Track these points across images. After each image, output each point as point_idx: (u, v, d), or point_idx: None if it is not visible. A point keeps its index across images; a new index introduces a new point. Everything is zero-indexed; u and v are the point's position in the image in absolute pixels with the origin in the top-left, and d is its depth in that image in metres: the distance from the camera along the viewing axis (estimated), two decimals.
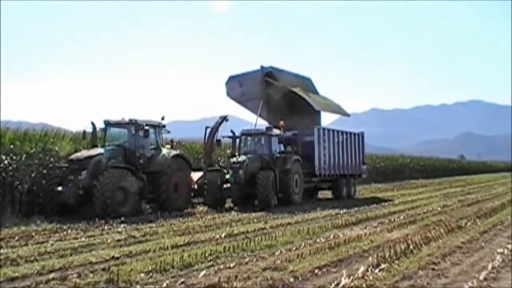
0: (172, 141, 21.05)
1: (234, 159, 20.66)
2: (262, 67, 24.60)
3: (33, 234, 12.29)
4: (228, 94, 25.40)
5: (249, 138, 22.11)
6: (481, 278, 7.40)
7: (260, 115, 24.17)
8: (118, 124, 18.33)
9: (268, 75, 24.48)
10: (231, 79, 25.37)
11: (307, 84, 26.85)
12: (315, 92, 27.19)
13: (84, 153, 17.10)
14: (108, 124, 18.24)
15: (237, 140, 22.10)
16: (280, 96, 24.87)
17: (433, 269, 8.06)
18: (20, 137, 18.07)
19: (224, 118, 22.13)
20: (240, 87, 24.95)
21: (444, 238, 11.20)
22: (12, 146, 17.04)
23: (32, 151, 17.40)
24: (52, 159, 17.65)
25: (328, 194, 25.82)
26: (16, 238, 11.68)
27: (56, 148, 18.13)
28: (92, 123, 18.40)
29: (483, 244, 10.49)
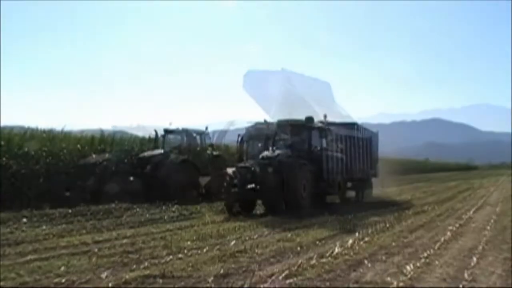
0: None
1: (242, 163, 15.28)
2: (282, 70, 20.16)
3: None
4: (244, 87, 20.08)
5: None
6: (435, 247, 7.46)
7: (272, 118, 21.56)
8: (174, 132, 18.37)
9: (287, 78, 19.91)
10: (250, 73, 20.50)
11: (324, 89, 21.80)
12: (330, 98, 22.96)
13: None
14: (167, 131, 18.25)
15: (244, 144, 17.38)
16: (292, 102, 22.08)
17: (403, 241, 8.10)
18: (26, 140, 14.90)
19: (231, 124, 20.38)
20: (257, 83, 20.19)
21: (411, 219, 11.23)
22: (19, 151, 14.07)
23: (40, 152, 14.52)
24: (60, 163, 14.80)
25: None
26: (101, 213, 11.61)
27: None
28: (155, 131, 18.17)
29: (438, 223, 10.49)
